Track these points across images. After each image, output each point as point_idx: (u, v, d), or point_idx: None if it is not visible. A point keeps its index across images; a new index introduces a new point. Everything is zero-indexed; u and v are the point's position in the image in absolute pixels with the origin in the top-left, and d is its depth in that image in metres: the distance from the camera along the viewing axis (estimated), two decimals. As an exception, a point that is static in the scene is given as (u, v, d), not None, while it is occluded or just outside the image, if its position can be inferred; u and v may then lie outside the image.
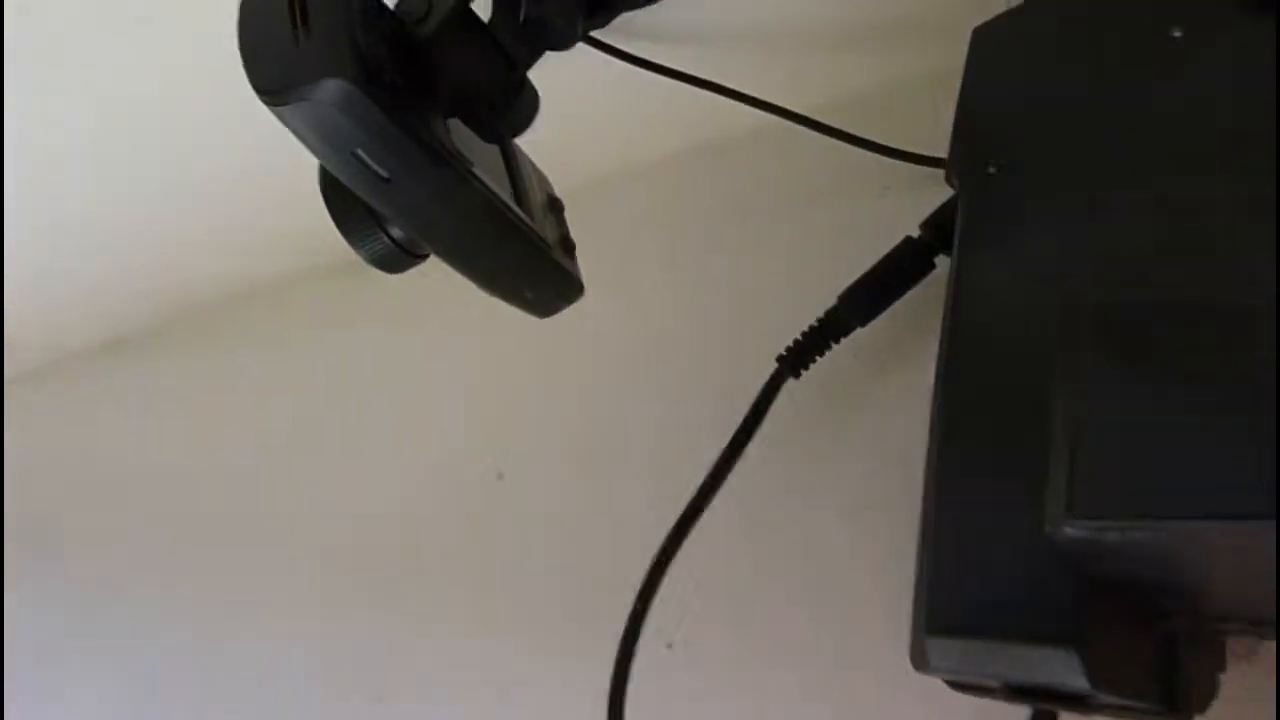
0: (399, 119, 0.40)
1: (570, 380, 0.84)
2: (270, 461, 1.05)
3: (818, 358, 0.61)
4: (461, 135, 0.49)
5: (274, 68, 0.38)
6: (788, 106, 0.67)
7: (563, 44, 0.51)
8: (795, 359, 0.61)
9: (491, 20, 0.55)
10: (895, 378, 0.63)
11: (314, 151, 0.41)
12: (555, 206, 0.60)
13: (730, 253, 0.78)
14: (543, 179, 0.60)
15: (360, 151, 0.40)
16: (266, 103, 0.39)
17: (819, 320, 0.61)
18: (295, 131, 0.40)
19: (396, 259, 0.50)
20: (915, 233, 0.60)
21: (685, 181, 0.85)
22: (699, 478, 0.60)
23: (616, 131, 0.85)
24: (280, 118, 0.39)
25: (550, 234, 0.56)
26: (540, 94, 0.55)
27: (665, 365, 0.79)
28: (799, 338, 0.61)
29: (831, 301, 0.61)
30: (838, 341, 0.61)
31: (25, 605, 1.23)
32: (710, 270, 0.79)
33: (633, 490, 0.76)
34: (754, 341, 0.71)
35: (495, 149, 0.55)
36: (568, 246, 0.58)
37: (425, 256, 0.51)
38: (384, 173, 0.41)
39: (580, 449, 0.81)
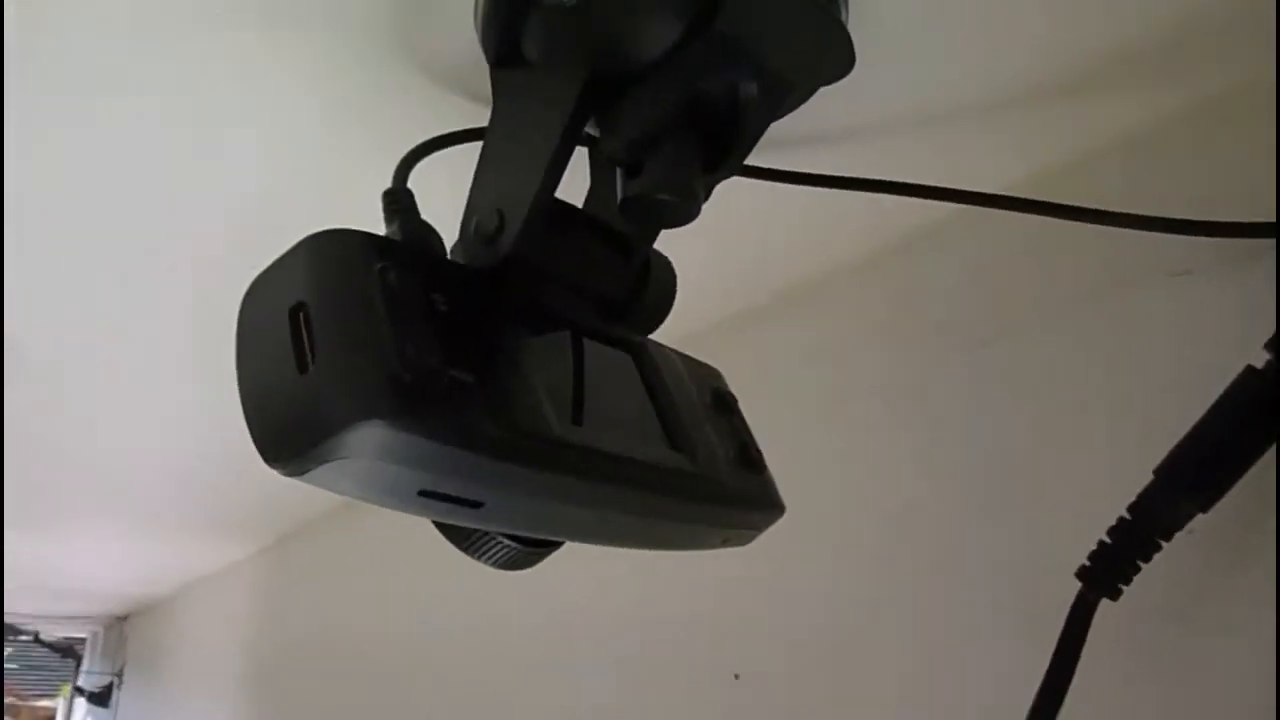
0: (465, 432, 0.30)
1: (807, 573, 0.69)
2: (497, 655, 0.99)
3: (1140, 565, 0.41)
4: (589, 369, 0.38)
5: (281, 427, 0.29)
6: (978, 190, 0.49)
7: (680, 220, 0.38)
8: (1106, 574, 0.41)
9: (587, 203, 0.43)
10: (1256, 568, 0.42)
11: (374, 503, 0.31)
12: (724, 406, 0.46)
13: (978, 398, 0.59)
14: (703, 375, 0.47)
15: (430, 489, 0.29)
16: (285, 474, 0.28)
17: (1131, 513, 0.41)
18: (339, 491, 0.30)
19: (530, 557, 0.40)
20: (1258, 356, 0.40)
21: (882, 300, 0.67)
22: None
23: (767, 254, 0.71)
24: (312, 483, 0.29)
25: (719, 451, 0.43)
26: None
27: (914, 547, 0.62)
28: (1106, 541, 0.41)
29: (1137, 468, 0.41)
30: (1168, 539, 0.40)
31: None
32: (955, 426, 0.60)
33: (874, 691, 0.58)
34: (1028, 516, 0.53)
35: (625, 360, 0.42)
36: (748, 458, 0.44)
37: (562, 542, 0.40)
38: (470, 497, 0.31)
39: (818, 647, 0.66)
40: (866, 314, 0.70)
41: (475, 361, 0.32)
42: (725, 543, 0.44)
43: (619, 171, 0.39)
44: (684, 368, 0.45)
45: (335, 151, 0.55)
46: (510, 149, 0.39)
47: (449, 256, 0.39)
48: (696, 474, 0.39)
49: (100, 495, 1.65)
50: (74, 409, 1.11)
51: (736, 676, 0.73)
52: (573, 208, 0.42)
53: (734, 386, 0.49)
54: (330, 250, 0.32)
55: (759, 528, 0.44)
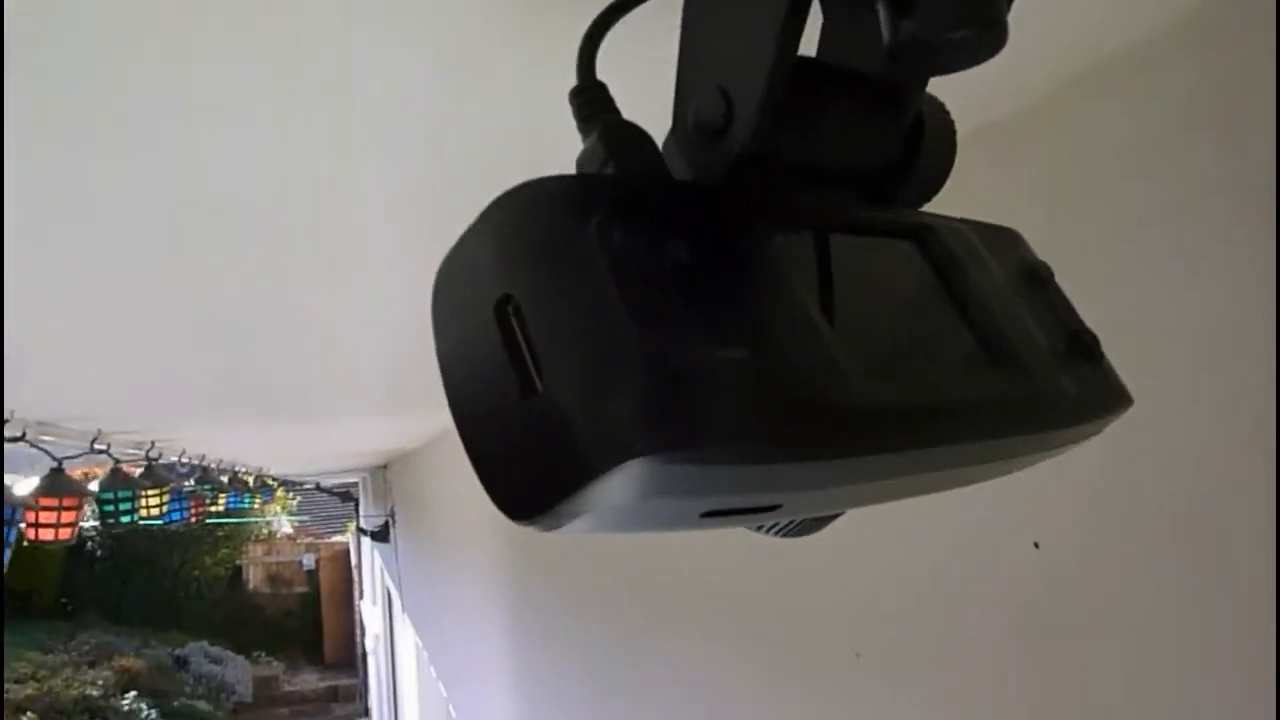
0: (750, 441, 0.23)
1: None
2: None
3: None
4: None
5: (516, 476, 0.23)
6: None
7: (980, 57, 0.27)
8: None
9: (821, 48, 0.32)
10: None
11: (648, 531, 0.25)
12: (1037, 280, 0.36)
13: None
14: (1001, 243, 0.36)
15: (716, 510, 0.24)
16: (535, 528, 0.22)
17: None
18: (603, 531, 0.23)
19: (820, 523, 0.34)
20: None
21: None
22: None
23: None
24: (568, 533, 0.23)
25: (1045, 349, 0.33)
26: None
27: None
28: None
29: None
30: None
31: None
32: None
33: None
34: None
35: (909, 252, 0.32)
36: (1081, 347, 0.34)
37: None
38: (764, 504, 0.25)
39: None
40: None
41: (742, 324, 0.24)
42: (1058, 452, 0.35)
43: (883, 6, 0.28)
44: (977, 239, 0.35)
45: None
46: (726, 1, 0.29)
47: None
48: (1030, 395, 0.30)
49: (349, 386, 2.08)
50: (326, 331, 1.43)
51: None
52: (812, 62, 0.31)
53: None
54: (530, 213, 0.24)
55: (1101, 429, 0.34)
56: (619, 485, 0.21)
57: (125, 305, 1.42)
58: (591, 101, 0.31)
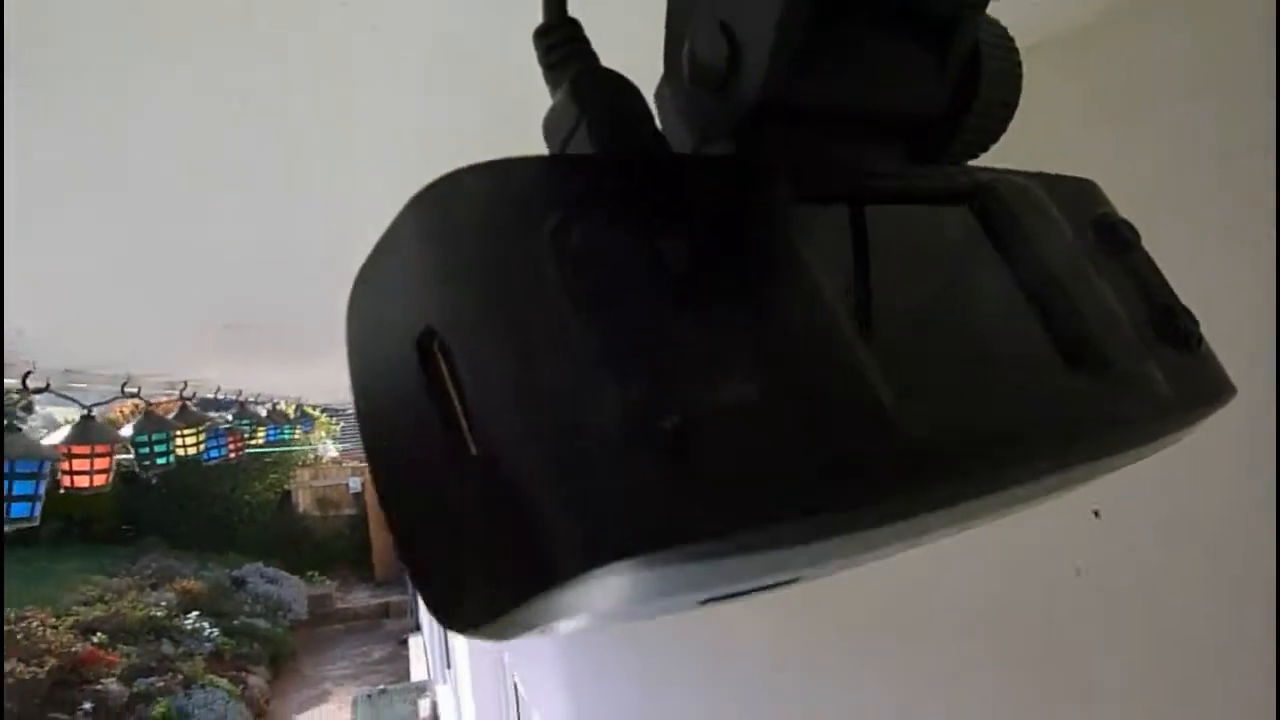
0: (764, 519, 0.17)
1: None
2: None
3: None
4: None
5: (450, 574, 0.18)
6: None
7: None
8: None
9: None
10: None
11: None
12: (1119, 243, 0.30)
13: None
14: (1074, 198, 0.30)
15: (718, 596, 0.20)
16: (479, 639, 0.17)
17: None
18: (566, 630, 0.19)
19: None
20: None
21: None
22: None
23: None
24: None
25: (1131, 334, 0.27)
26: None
27: None
28: None
29: None
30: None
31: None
32: None
33: None
34: None
35: (963, 220, 0.26)
36: (1173, 329, 0.28)
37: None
38: (782, 579, 0.21)
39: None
40: None
41: (752, 349, 0.18)
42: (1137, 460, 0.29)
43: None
44: (1045, 196, 0.29)
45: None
46: (726, -88, 0.23)
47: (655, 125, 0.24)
48: (1115, 403, 0.24)
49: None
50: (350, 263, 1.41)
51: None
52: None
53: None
54: (460, 214, 0.18)
55: (1196, 425, 0.28)
56: (596, 591, 0.16)
57: (149, 245, 1.40)
58: (561, 44, 0.25)
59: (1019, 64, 0.28)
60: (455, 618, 0.17)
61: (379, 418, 0.19)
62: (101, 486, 1.99)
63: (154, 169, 0.82)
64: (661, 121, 0.27)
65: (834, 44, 0.24)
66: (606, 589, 0.16)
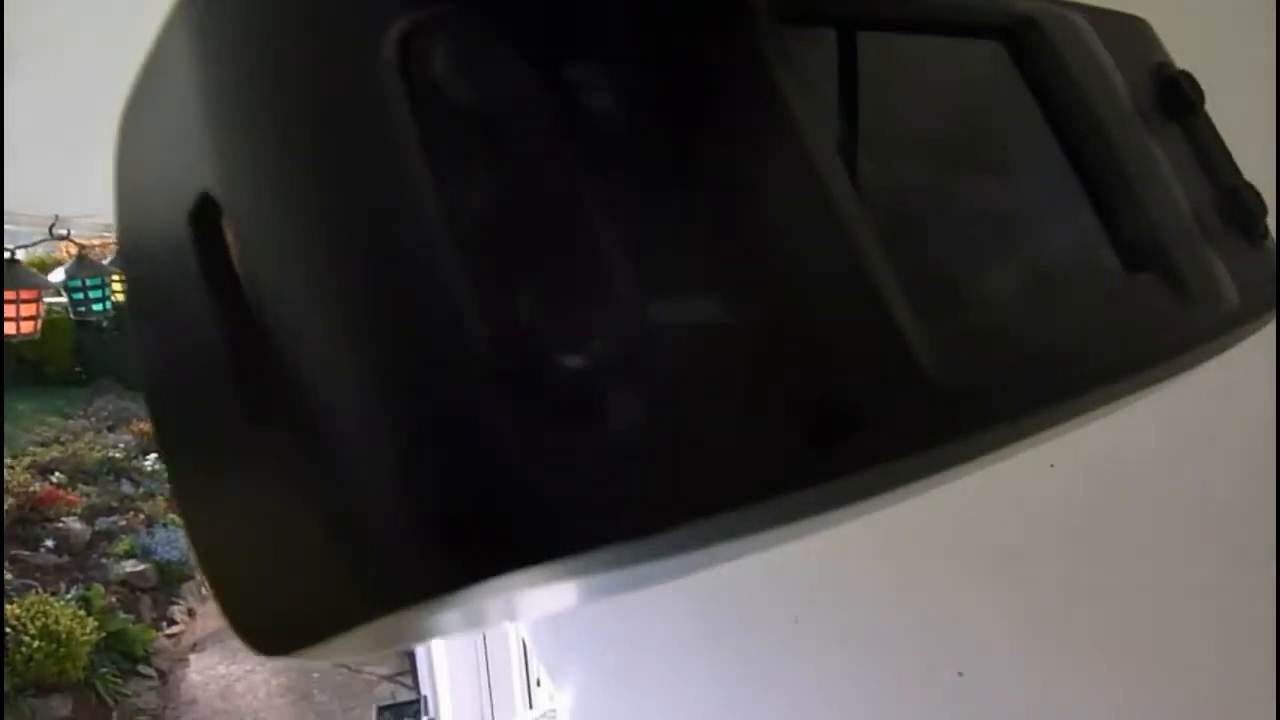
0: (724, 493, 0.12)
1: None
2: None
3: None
4: None
5: (255, 588, 0.12)
6: None
7: None
8: None
9: None
10: None
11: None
12: (1180, 104, 0.24)
13: None
14: (1127, 40, 0.24)
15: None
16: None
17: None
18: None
19: None
20: None
21: None
22: None
23: None
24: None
25: (1185, 211, 0.21)
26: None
27: None
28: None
29: None
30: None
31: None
32: None
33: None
34: None
35: (995, 60, 0.21)
36: (1241, 210, 0.23)
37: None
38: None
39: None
40: None
41: (710, 249, 0.13)
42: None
43: None
44: (1094, 33, 0.22)
45: None
46: None
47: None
48: (1180, 316, 0.19)
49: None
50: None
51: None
52: None
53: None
54: (253, 16, 0.11)
55: (1256, 330, 0.23)
56: (447, 616, 0.10)
57: (79, 69, 1.29)
58: None
59: None
60: (257, 640, 0.11)
61: (154, 335, 0.13)
62: (30, 334, 1.90)
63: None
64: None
65: None
66: (434, 622, 0.10)
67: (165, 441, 0.13)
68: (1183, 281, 0.19)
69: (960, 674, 0.66)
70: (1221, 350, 0.21)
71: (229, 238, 0.11)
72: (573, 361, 0.11)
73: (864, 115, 0.16)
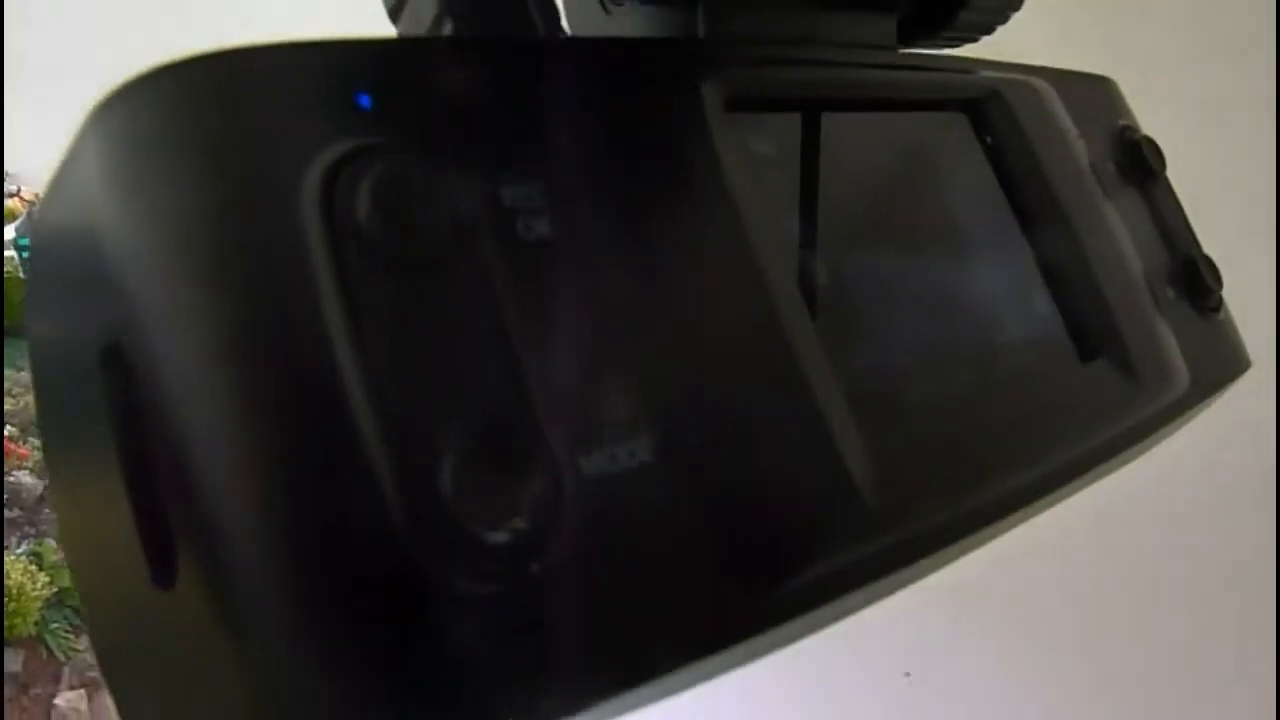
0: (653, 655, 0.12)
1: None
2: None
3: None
4: None
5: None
6: None
7: None
8: None
9: None
10: None
11: None
12: (1140, 169, 0.24)
13: None
14: (1088, 103, 0.24)
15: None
16: None
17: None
18: None
19: None
20: None
21: None
22: None
23: None
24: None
25: (1139, 281, 0.21)
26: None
27: None
28: None
29: None
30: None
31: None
32: None
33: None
34: None
35: (957, 130, 0.20)
36: (1194, 284, 0.23)
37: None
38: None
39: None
40: None
41: (644, 370, 0.12)
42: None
43: None
44: (1058, 104, 0.22)
45: None
46: None
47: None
48: (1133, 402, 0.19)
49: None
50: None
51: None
52: None
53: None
54: (160, 150, 0.11)
55: (1208, 403, 0.23)
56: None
57: (31, 29, 1.24)
58: None
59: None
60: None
61: (67, 474, 0.12)
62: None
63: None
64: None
65: None
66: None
67: (80, 585, 0.12)
68: (1134, 368, 0.19)
69: (907, 674, 0.67)
70: (1172, 433, 0.21)
71: (138, 386, 0.10)
72: (496, 536, 0.10)
73: (820, 204, 0.16)
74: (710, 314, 0.13)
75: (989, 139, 0.20)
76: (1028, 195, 0.20)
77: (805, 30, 0.18)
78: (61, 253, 0.12)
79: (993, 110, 0.20)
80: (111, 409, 0.11)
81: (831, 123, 0.17)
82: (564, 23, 0.19)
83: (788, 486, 0.13)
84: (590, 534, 0.11)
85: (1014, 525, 0.17)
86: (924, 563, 0.14)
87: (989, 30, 0.22)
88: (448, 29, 0.15)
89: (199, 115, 0.11)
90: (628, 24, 0.18)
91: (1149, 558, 0.59)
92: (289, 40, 0.11)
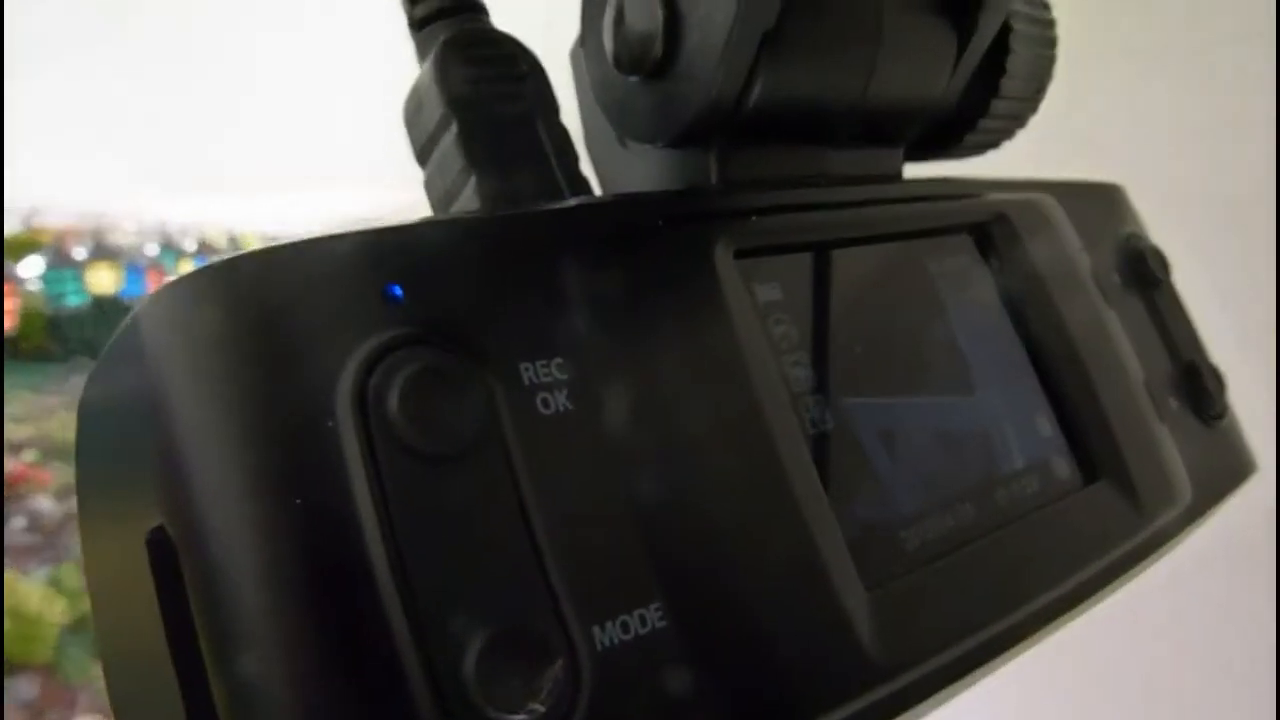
0: None
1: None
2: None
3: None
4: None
5: None
6: None
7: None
8: None
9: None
10: None
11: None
12: (1144, 279, 0.24)
13: None
14: (1096, 218, 0.24)
15: None
16: None
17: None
18: None
19: None
20: None
21: None
22: None
23: None
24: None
25: (1141, 393, 0.22)
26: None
27: None
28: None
29: None
30: None
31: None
32: None
33: None
34: None
35: (961, 253, 0.21)
36: (1197, 394, 0.23)
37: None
38: None
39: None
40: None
41: (667, 542, 0.13)
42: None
43: None
44: (1064, 215, 0.23)
45: None
46: None
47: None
48: (1134, 523, 0.19)
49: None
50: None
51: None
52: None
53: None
54: (226, 358, 0.12)
55: (1213, 512, 0.24)
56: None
57: (60, 48, 1.27)
58: (444, 6, 0.18)
59: (1054, 41, 0.22)
60: None
61: (115, 646, 0.13)
62: (10, 330, 1.88)
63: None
64: (578, 95, 0.20)
65: (811, 16, 0.17)
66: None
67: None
68: (1135, 487, 0.19)
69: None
70: (1172, 549, 0.21)
71: (181, 563, 0.11)
72: (511, 719, 0.11)
73: (827, 345, 0.16)
74: (717, 472, 0.14)
75: (994, 261, 0.20)
76: (1031, 316, 0.20)
77: (814, 169, 0.19)
78: (107, 430, 0.12)
79: (997, 233, 0.21)
80: (158, 588, 0.11)
81: (838, 258, 0.18)
82: (582, 155, 0.20)
83: (792, 642, 0.13)
84: (605, 707, 0.11)
85: (1017, 655, 0.17)
86: (925, 704, 0.15)
87: (994, 147, 0.23)
88: (472, 181, 0.16)
89: (239, 314, 0.11)
90: (642, 161, 0.19)
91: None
92: (322, 235, 0.12)
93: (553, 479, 0.12)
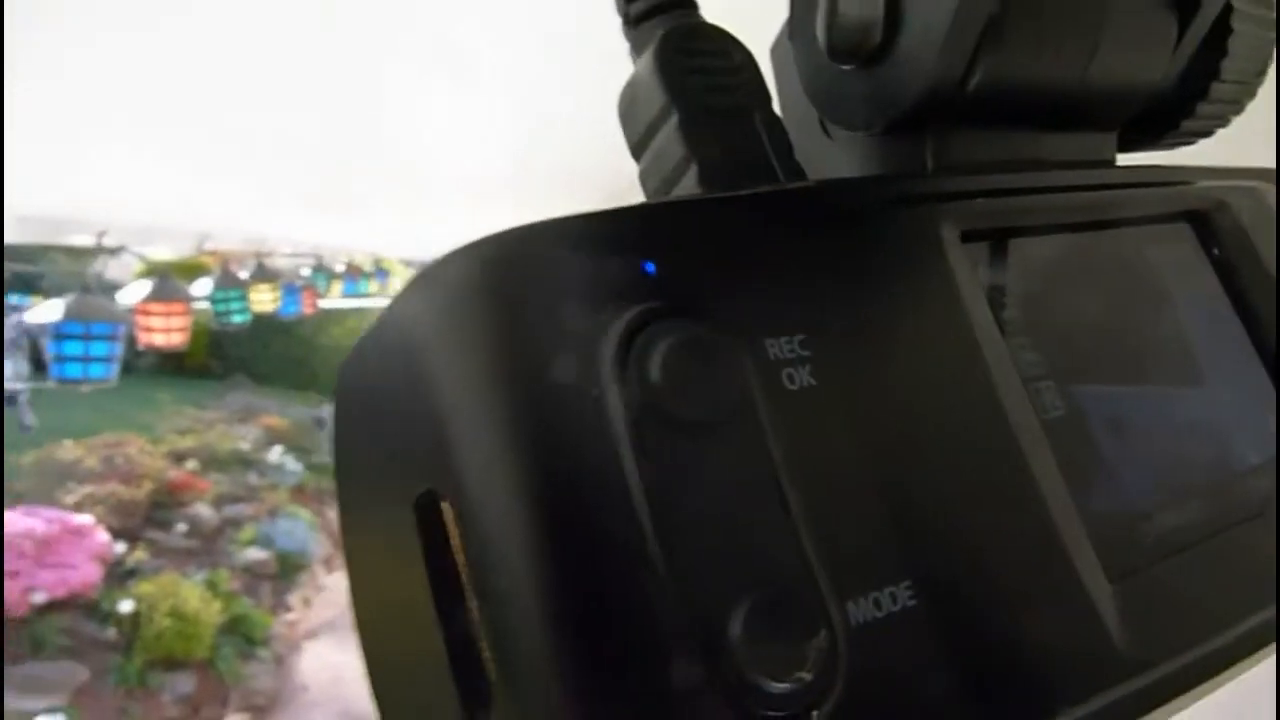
0: None
1: None
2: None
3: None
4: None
5: None
6: None
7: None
8: None
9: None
10: None
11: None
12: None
13: None
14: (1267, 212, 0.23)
15: None
16: None
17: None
18: None
19: None
20: None
21: None
22: None
23: None
24: None
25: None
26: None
27: None
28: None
29: None
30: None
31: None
32: None
33: None
34: None
35: (1181, 242, 0.20)
36: None
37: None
38: None
39: None
40: None
41: (905, 521, 0.13)
42: None
43: None
44: (1274, 205, 0.21)
45: None
46: None
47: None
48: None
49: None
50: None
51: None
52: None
53: None
54: (490, 329, 0.12)
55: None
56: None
57: (221, 87, 1.36)
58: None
59: (1273, 23, 0.21)
60: None
61: (373, 620, 0.14)
62: (179, 346, 2.04)
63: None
64: (778, 89, 0.20)
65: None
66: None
67: (380, 704, 0.14)
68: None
69: None
70: None
71: (449, 527, 0.12)
72: (780, 686, 0.11)
73: (1051, 331, 0.16)
74: (958, 454, 0.14)
75: (1215, 250, 0.19)
76: (1257, 306, 0.19)
77: (1028, 154, 0.18)
78: (370, 409, 0.13)
79: (1218, 220, 0.20)
80: (425, 548, 0.12)
81: (1058, 244, 0.18)
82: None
83: (1040, 629, 0.13)
84: (861, 681, 0.11)
85: (1251, 666, 0.16)
86: (1170, 705, 0.14)
87: (1209, 135, 0.22)
88: (692, 170, 0.17)
89: (504, 288, 0.12)
90: (846, 150, 0.19)
91: None
92: (572, 215, 0.13)
93: (803, 452, 0.12)
